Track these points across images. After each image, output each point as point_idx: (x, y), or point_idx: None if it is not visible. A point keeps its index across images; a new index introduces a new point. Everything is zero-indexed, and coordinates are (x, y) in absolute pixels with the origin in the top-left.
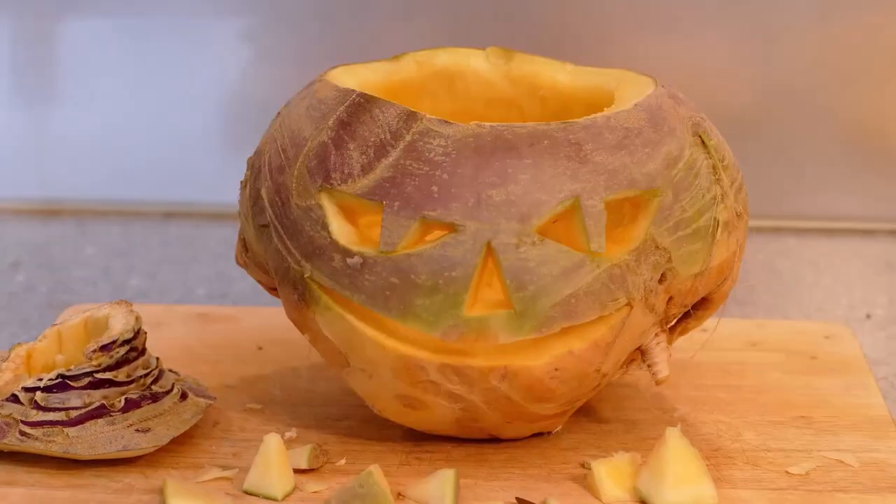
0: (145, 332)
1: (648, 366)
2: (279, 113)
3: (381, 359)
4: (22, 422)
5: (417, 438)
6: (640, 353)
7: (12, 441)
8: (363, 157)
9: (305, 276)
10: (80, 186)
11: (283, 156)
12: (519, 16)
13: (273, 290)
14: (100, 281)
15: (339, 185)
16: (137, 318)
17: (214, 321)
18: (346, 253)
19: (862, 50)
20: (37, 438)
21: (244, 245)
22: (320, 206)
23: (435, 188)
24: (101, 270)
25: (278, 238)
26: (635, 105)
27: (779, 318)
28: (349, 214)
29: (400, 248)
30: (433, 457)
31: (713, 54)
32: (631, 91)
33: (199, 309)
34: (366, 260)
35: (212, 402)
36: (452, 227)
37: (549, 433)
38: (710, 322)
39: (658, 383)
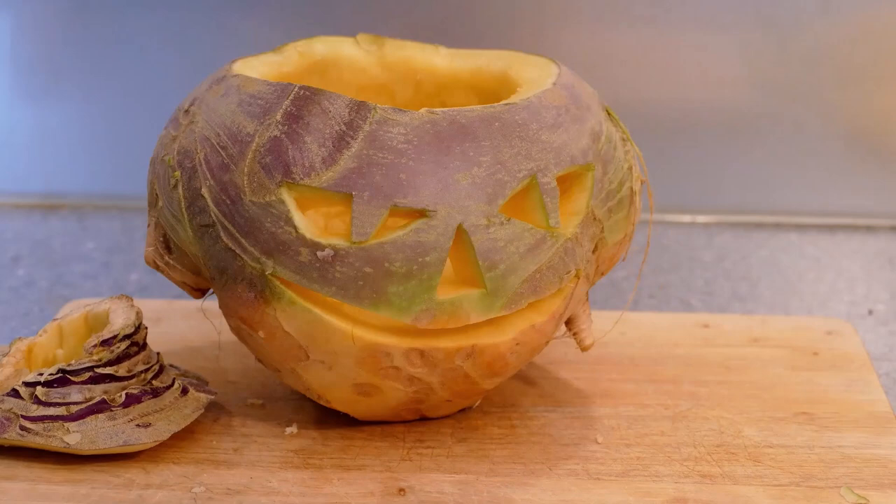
0: (146, 327)
1: (574, 334)
2: (187, 111)
3: (347, 349)
4: (22, 416)
5: (419, 434)
6: (567, 322)
7: (13, 436)
8: (322, 149)
9: (267, 272)
10: (80, 181)
11: (223, 153)
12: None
13: (197, 290)
14: (100, 275)
15: (301, 179)
16: (138, 313)
17: (215, 316)
18: (316, 246)
19: (864, 46)
20: (37, 433)
21: (166, 247)
22: (282, 202)
23: (403, 175)
24: (101, 265)
25: (229, 237)
26: (554, 84)
27: (780, 313)
28: (303, 208)
29: (372, 238)
30: (434, 452)
31: (712, 50)
32: (531, 71)
33: (200, 304)
34: (337, 252)
35: (213, 397)
36: (423, 213)
37: (470, 408)
38: (712, 318)
39: (584, 349)
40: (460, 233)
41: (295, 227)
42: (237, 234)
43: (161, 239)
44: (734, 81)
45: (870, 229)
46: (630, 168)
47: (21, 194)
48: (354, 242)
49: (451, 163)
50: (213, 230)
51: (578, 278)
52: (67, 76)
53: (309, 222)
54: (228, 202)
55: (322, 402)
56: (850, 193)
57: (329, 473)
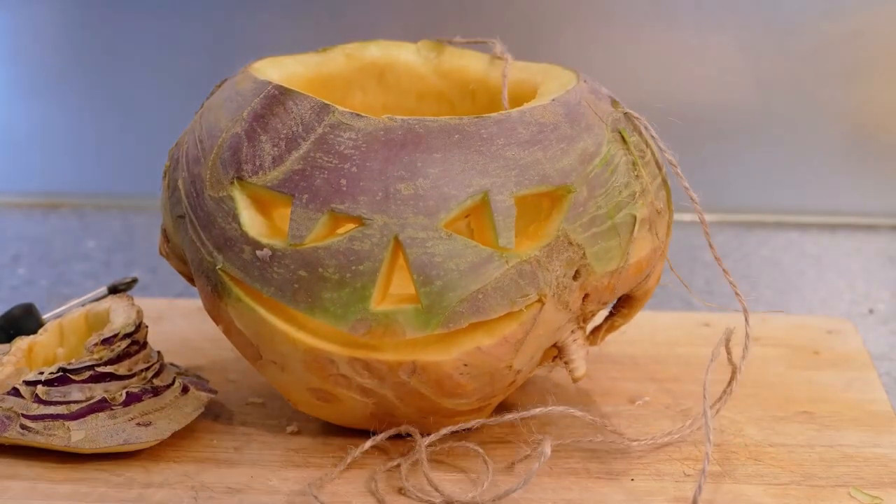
0: (146, 326)
1: (565, 363)
2: (203, 104)
3: (292, 352)
4: (23, 415)
5: (423, 435)
6: (557, 350)
7: (13, 434)
8: (275, 149)
9: (217, 267)
10: (81, 180)
11: (199, 147)
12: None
13: (193, 280)
14: (101, 274)
15: (249, 176)
16: (139, 312)
17: None
18: (256, 245)
19: (864, 46)
20: (38, 432)
21: (165, 235)
22: (231, 198)
23: (344, 181)
24: (101, 264)
25: (192, 229)
26: (553, 100)
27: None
28: (263, 206)
29: (308, 241)
30: (434, 452)
31: (715, 50)
32: (553, 85)
33: (200, 303)
34: (275, 252)
35: (213, 395)
36: (360, 221)
37: (468, 429)
38: (713, 317)
39: (575, 381)
40: (397, 244)
41: (240, 224)
42: (198, 227)
43: (163, 228)
44: (735, 81)
45: (871, 228)
46: (635, 194)
47: (22, 193)
48: (291, 244)
49: (396, 172)
50: (184, 221)
51: (543, 304)
52: (68, 76)
53: (255, 221)
54: (195, 195)
55: (292, 405)
56: (850, 192)
57: (330, 472)
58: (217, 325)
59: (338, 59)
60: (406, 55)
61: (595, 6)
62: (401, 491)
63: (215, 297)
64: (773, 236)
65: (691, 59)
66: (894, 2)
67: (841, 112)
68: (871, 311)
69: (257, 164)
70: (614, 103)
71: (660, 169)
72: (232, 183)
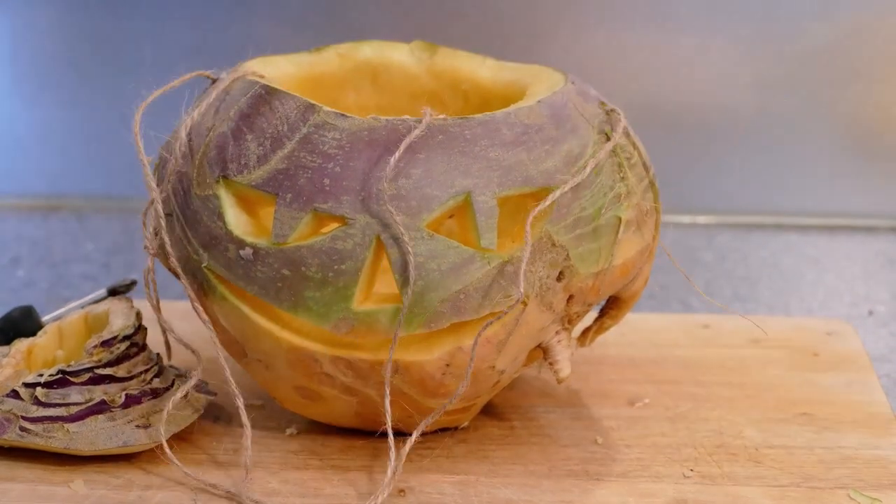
0: (146, 328)
1: (550, 364)
2: (194, 102)
3: (276, 350)
4: (22, 417)
5: (419, 435)
6: (542, 352)
7: (13, 437)
8: (260, 148)
9: (203, 265)
10: (80, 182)
11: (188, 145)
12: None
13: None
14: (100, 276)
15: (235, 175)
16: (138, 314)
17: None
18: (240, 244)
19: (863, 46)
20: (37, 434)
21: (154, 233)
22: (217, 197)
23: (327, 181)
24: (101, 266)
25: (180, 227)
26: (539, 102)
27: (781, 314)
28: (248, 205)
29: (291, 240)
30: (434, 453)
31: (713, 51)
32: (542, 87)
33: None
34: (257, 251)
35: (212, 398)
36: (343, 221)
37: (455, 428)
38: (712, 318)
39: (559, 382)
40: (379, 244)
41: (225, 223)
42: (185, 225)
43: (152, 225)
44: (734, 81)
45: (870, 230)
46: (621, 196)
47: (21, 195)
48: (274, 243)
49: (379, 172)
50: (171, 219)
51: (525, 305)
52: (67, 76)
53: (240, 219)
54: (182, 193)
55: (279, 404)
56: (850, 194)
57: (329, 474)
58: (204, 323)
59: (331, 59)
60: (399, 55)
61: (593, 7)
62: (401, 493)
63: (202, 295)
64: (772, 238)
65: (690, 60)
66: (894, 3)
67: (840, 113)
68: (870, 313)
69: (242, 162)
70: (602, 105)
71: (647, 170)
72: (217, 181)
